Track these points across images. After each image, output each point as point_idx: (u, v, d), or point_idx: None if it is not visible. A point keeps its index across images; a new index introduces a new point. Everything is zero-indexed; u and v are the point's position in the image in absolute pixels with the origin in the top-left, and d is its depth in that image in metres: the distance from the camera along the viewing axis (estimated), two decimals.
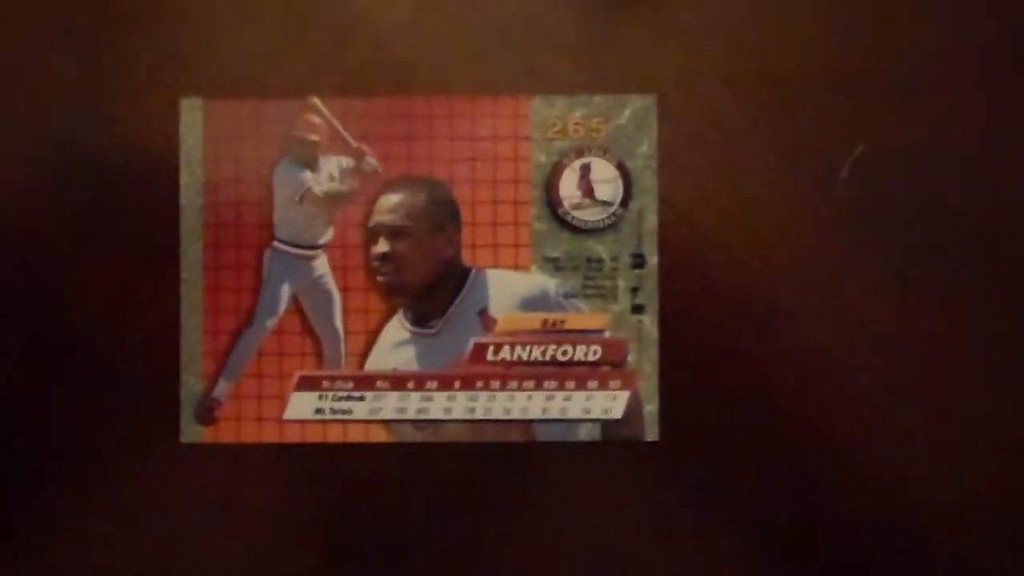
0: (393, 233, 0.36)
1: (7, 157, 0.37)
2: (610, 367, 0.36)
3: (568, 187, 0.36)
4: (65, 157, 0.37)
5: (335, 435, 0.37)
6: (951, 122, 0.36)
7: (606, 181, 0.36)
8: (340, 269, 0.37)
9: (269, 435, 0.37)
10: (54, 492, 0.37)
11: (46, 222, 0.37)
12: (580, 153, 0.36)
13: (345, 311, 0.37)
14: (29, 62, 0.37)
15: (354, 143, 0.37)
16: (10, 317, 0.37)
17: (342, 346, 0.37)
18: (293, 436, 0.37)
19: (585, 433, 0.36)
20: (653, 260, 0.36)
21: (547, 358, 0.36)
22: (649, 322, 0.36)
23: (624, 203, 0.36)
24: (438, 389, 0.36)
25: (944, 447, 0.36)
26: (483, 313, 0.36)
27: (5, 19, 0.37)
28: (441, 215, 0.36)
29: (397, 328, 0.37)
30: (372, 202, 0.36)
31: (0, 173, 0.37)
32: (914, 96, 0.36)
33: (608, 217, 0.36)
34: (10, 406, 0.37)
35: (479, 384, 0.36)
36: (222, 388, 0.37)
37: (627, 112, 0.36)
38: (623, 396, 0.36)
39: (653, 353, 0.36)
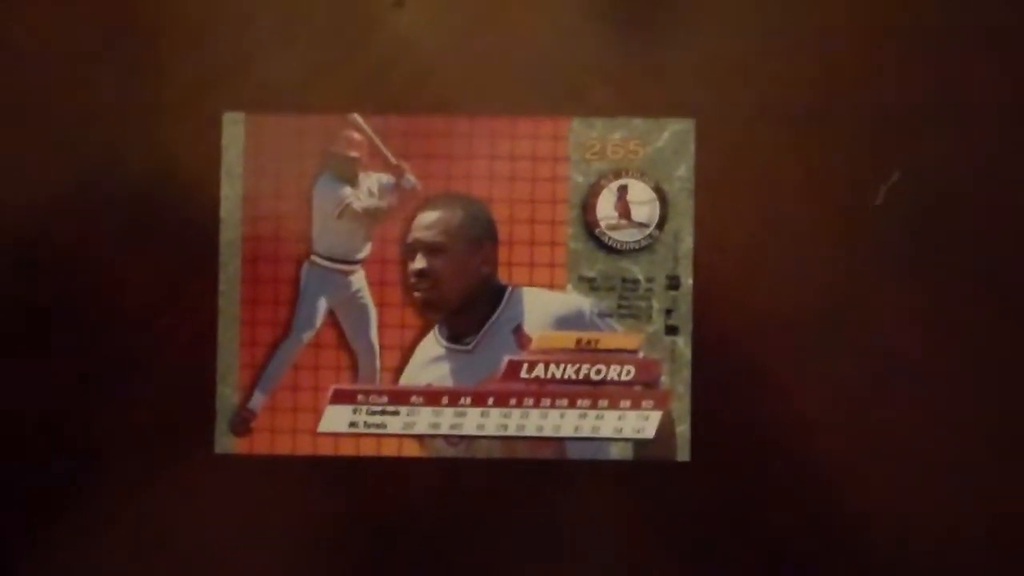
0: (430, 250, 0.37)
1: (52, 170, 0.37)
2: (643, 387, 0.37)
3: (605, 208, 0.37)
4: (108, 169, 0.37)
5: (368, 448, 0.37)
6: (986, 150, 0.37)
7: (643, 203, 0.37)
8: (377, 284, 0.37)
9: (303, 447, 0.37)
10: (88, 500, 0.37)
11: (87, 233, 0.37)
12: (618, 175, 0.37)
13: (381, 326, 0.37)
14: (74, 76, 0.37)
15: (394, 160, 0.37)
16: (51, 326, 0.37)
17: (377, 361, 0.37)
18: (327, 449, 0.37)
19: (617, 452, 0.37)
20: (688, 282, 0.37)
21: (581, 377, 0.37)
22: (683, 343, 0.37)
23: (660, 225, 0.37)
24: (472, 405, 0.37)
25: (977, 479, 0.36)
26: (518, 331, 0.37)
27: (49, 35, 0.37)
28: (478, 233, 0.37)
29: (432, 344, 0.37)
30: (410, 219, 0.37)
31: (45, 186, 0.37)
32: (949, 124, 0.37)
33: (644, 239, 0.37)
34: (48, 415, 0.37)
35: (512, 401, 0.37)
36: (257, 400, 0.37)
37: (665, 135, 0.37)
38: (655, 416, 0.37)
39: (686, 374, 0.37)
